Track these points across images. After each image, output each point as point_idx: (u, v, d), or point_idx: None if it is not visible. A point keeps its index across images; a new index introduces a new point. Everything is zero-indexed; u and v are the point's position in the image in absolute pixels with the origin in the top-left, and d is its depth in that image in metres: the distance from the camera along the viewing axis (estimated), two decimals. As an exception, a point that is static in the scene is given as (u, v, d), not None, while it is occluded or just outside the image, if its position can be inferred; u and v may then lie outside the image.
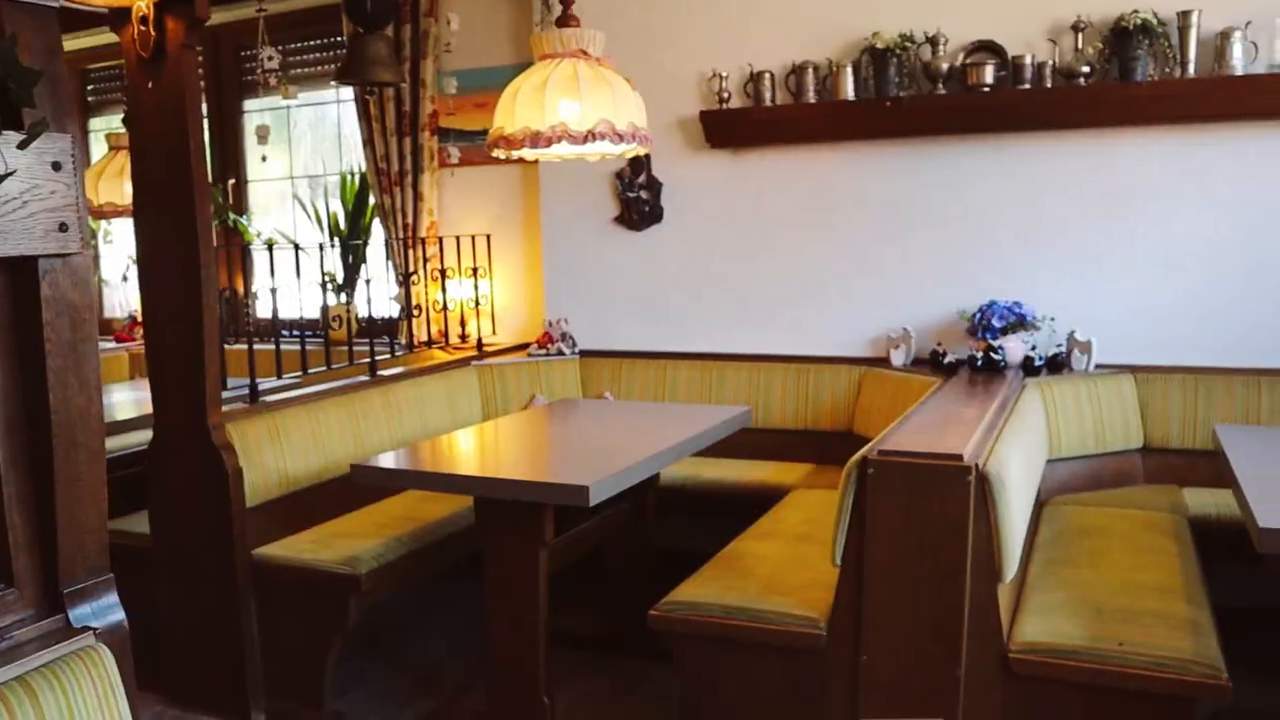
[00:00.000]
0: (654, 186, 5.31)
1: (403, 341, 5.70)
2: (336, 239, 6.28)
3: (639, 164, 5.27)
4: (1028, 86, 4.51)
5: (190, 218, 3.55)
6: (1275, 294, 4.38)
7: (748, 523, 3.94)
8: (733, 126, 5.06)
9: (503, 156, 3.70)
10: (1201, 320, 4.49)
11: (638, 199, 5.32)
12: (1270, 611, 4.07)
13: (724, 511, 4.41)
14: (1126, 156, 4.54)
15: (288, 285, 4.47)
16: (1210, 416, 4.34)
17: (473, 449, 3.85)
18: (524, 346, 5.63)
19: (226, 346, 4.33)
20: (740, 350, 5.23)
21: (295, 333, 5.34)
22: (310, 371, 4.58)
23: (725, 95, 5.01)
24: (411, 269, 5.64)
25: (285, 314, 5.26)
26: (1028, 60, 4.50)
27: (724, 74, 5.01)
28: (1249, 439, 3.55)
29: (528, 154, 3.68)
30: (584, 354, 5.47)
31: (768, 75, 4.94)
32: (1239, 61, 4.22)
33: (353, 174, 6.34)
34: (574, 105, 3.54)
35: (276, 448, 4.01)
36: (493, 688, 3.56)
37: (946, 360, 4.63)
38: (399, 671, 4.20)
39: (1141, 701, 2.76)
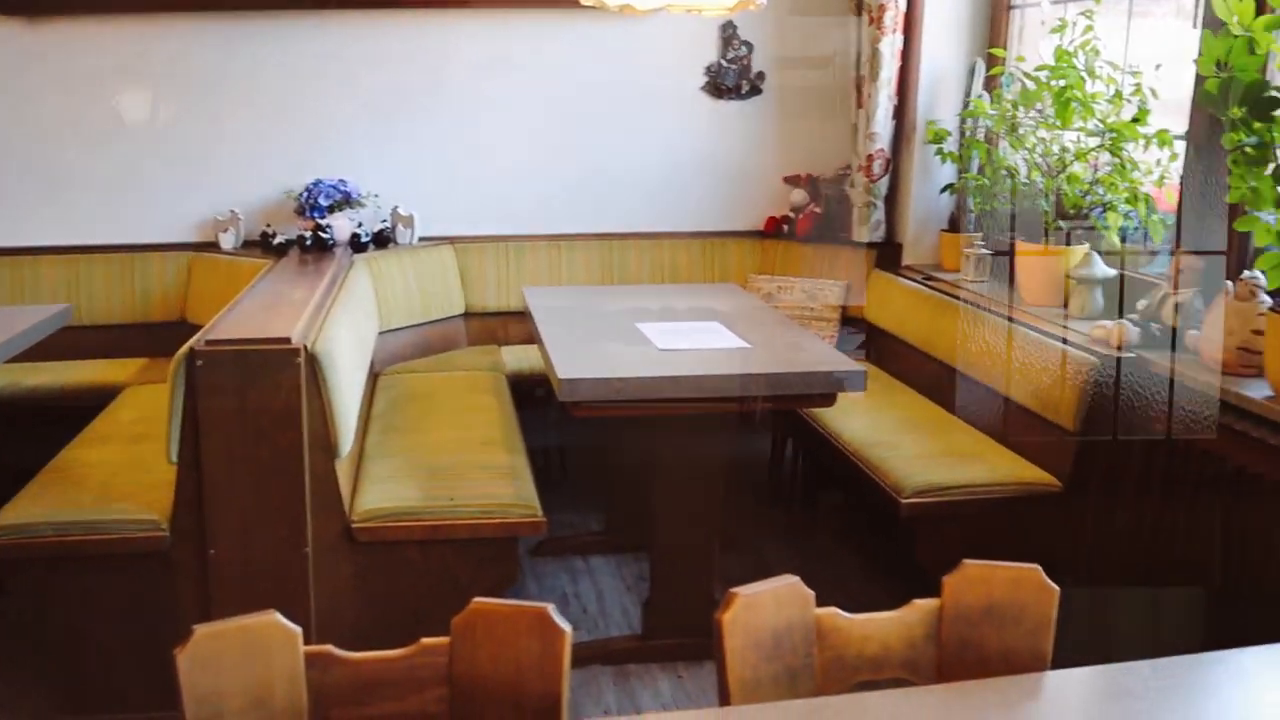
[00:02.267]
0: (-72, 61, 4.65)
1: None
2: None
3: (-97, 35, 4.59)
4: (337, -36, 4.55)
5: None
6: (566, 168, 4.91)
7: (79, 429, 3.73)
8: (20, -8, 4.54)
9: None
10: (508, 192, 4.89)
11: (-93, 76, 4.64)
12: (575, 450, 4.66)
13: (52, 420, 4.10)
14: (439, 37, 4.76)
15: None
16: (519, 280, 4.79)
17: None
18: None
19: None
20: (56, 242, 4.79)
21: None
22: None
23: (6, -43, 4.48)
24: None
25: None
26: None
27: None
28: (551, 299, 3.99)
29: None
30: None
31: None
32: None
33: None
34: None
35: None
36: None
37: (277, 241, 4.63)
38: None
39: (473, 546, 3.08)
